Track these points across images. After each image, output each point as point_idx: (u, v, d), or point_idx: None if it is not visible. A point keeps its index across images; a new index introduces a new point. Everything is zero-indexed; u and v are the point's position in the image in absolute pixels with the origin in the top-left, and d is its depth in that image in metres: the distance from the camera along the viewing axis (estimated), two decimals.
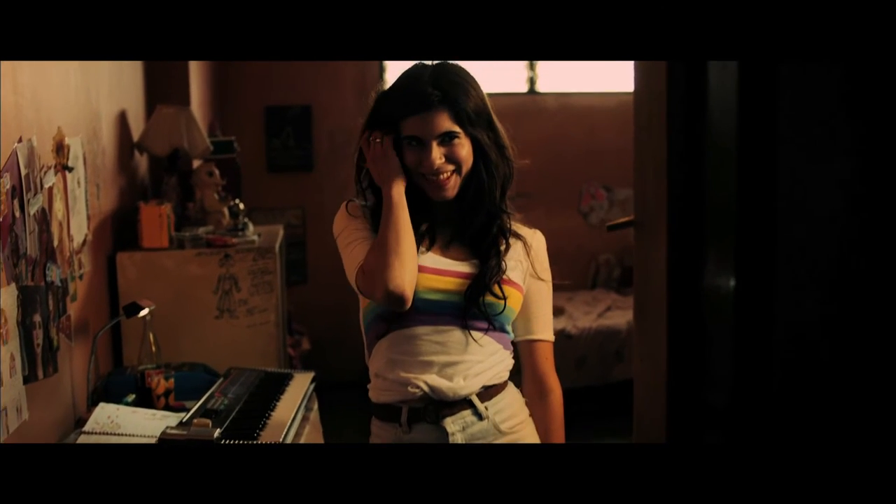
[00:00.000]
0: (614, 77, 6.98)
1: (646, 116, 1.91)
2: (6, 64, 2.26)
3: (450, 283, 1.91)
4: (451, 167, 1.90)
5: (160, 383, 2.86)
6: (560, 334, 5.75)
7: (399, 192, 1.88)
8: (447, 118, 1.87)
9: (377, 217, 1.90)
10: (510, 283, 1.95)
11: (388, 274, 1.79)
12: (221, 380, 2.99)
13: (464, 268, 1.93)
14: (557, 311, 5.93)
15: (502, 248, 1.96)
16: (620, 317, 6.09)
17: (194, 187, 4.06)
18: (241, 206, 4.12)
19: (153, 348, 3.04)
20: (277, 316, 3.51)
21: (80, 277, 2.93)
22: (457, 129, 1.89)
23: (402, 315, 1.87)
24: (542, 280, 2.03)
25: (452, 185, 1.91)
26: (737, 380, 1.53)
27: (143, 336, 3.04)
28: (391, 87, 1.93)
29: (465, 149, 1.90)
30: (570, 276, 6.97)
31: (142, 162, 4.19)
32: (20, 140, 2.33)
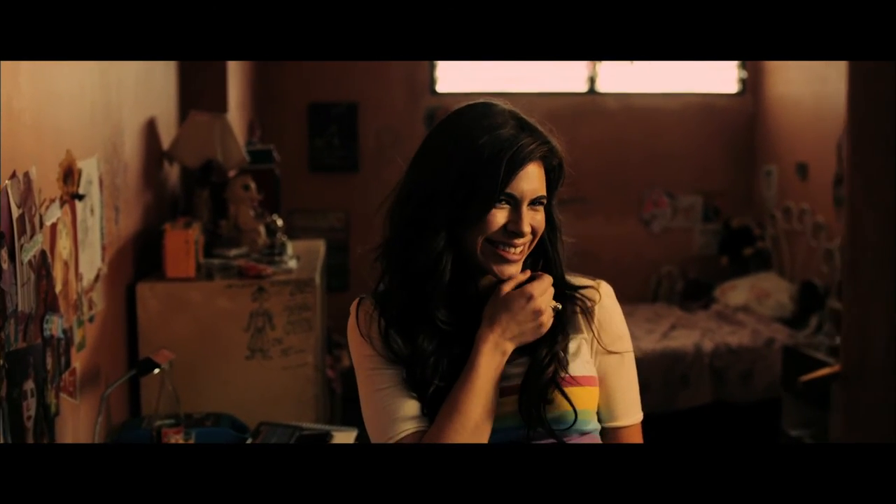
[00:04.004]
0: (679, 77, 6.51)
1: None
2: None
3: (503, 405, 1.49)
4: (531, 237, 1.52)
5: None
6: None
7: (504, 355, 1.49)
8: (540, 178, 1.50)
9: (401, 332, 1.51)
10: (574, 381, 1.51)
11: None
12: (250, 441, 2.62)
13: (515, 378, 1.51)
14: None
15: (559, 338, 1.53)
16: (686, 337, 5.65)
17: (228, 202, 3.68)
18: (279, 222, 3.73)
19: (172, 399, 2.67)
20: (316, 357, 3.12)
21: (91, 320, 2.56)
22: (545, 193, 1.51)
23: None
24: (614, 353, 1.58)
25: (521, 258, 1.52)
26: None
27: (161, 385, 2.67)
28: (471, 145, 1.47)
29: (542, 215, 1.52)
30: (629, 288, 6.54)
31: (171, 173, 3.83)
32: (13, 175, 1.96)
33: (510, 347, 1.48)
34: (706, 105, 6.59)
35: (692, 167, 6.63)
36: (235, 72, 4.59)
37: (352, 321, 1.56)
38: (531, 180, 1.48)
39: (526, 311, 1.48)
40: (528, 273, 1.53)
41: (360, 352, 1.53)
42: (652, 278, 6.65)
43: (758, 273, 6.38)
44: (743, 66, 6.58)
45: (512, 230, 1.48)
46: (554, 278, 1.55)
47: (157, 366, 2.54)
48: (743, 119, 6.61)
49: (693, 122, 6.58)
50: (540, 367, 1.49)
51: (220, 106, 4.12)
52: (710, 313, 6.16)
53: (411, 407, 1.47)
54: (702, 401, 5.44)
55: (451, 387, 1.47)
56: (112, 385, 2.49)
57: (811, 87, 6.00)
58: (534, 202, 1.49)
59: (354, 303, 1.57)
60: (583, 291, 1.57)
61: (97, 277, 2.65)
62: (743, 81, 6.59)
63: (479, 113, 1.51)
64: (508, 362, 1.50)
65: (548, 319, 1.50)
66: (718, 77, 6.60)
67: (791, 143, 6.25)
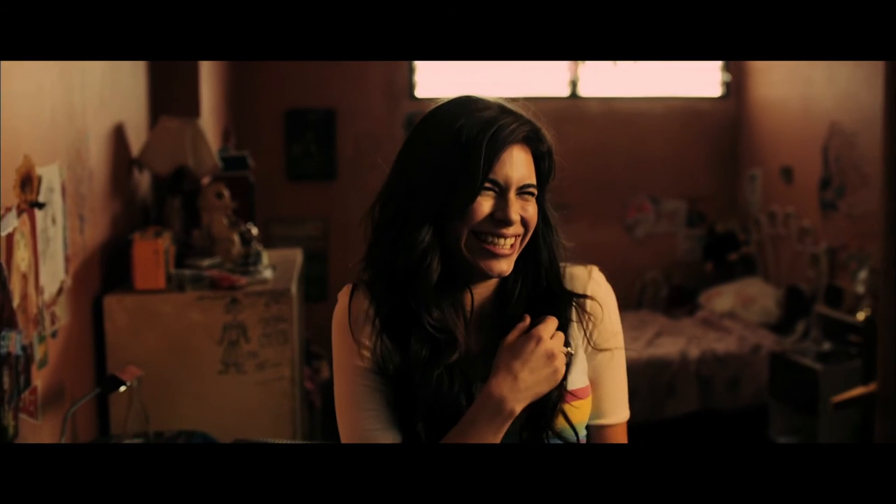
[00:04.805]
0: (662, 81, 6.43)
1: None
2: None
3: None
4: (521, 229, 1.40)
5: None
6: None
7: (511, 416, 1.36)
8: (528, 165, 1.39)
9: (391, 337, 1.39)
10: (573, 396, 1.42)
11: None
12: None
13: None
14: None
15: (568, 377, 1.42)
16: (672, 345, 5.55)
17: (201, 211, 3.55)
18: (254, 231, 3.60)
19: (142, 417, 2.54)
20: (293, 371, 2.98)
21: (53, 335, 2.43)
22: (534, 181, 1.40)
23: None
24: (606, 350, 1.48)
25: (513, 254, 1.40)
26: None
27: (130, 402, 2.53)
28: (450, 130, 1.37)
29: (534, 207, 1.41)
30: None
31: (142, 180, 3.69)
32: None
33: (520, 406, 1.35)
34: (689, 109, 6.51)
35: (676, 172, 6.54)
36: (208, 74, 4.46)
37: (341, 316, 1.42)
38: (517, 166, 1.37)
39: (538, 356, 1.36)
40: (527, 320, 1.40)
41: (349, 360, 1.41)
42: (636, 285, 6.55)
43: (743, 278, 6.30)
44: (726, 69, 6.50)
45: (499, 218, 1.36)
46: (548, 281, 1.45)
47: (123, 383, 2.40)
48: (727, 122, 6.53)
49: (676, 125, 6.49)
50: (551, 402, 1.39)
51: (193, 110, 3.99)
52: (696, 320, 6.06)
53: (395, 438, 1.37)
54: (688, 409, 5.35)
55: (438, 409, 1.36)
56: (75, 404, 2.35)
57: (796, 90, 5.92)
58: (523, 191, 1.39)
59: (346, 291, 1.44)
60: (577, 287, 1.47)
61: (60, 290, 2.51)
62: (727, 84, 6.51)
63: (461, 101, 1.42)
64: None
65: (561, 365, 1.38)
66: (702, 80, 6.52)
67: (775, 147, 6.17)
